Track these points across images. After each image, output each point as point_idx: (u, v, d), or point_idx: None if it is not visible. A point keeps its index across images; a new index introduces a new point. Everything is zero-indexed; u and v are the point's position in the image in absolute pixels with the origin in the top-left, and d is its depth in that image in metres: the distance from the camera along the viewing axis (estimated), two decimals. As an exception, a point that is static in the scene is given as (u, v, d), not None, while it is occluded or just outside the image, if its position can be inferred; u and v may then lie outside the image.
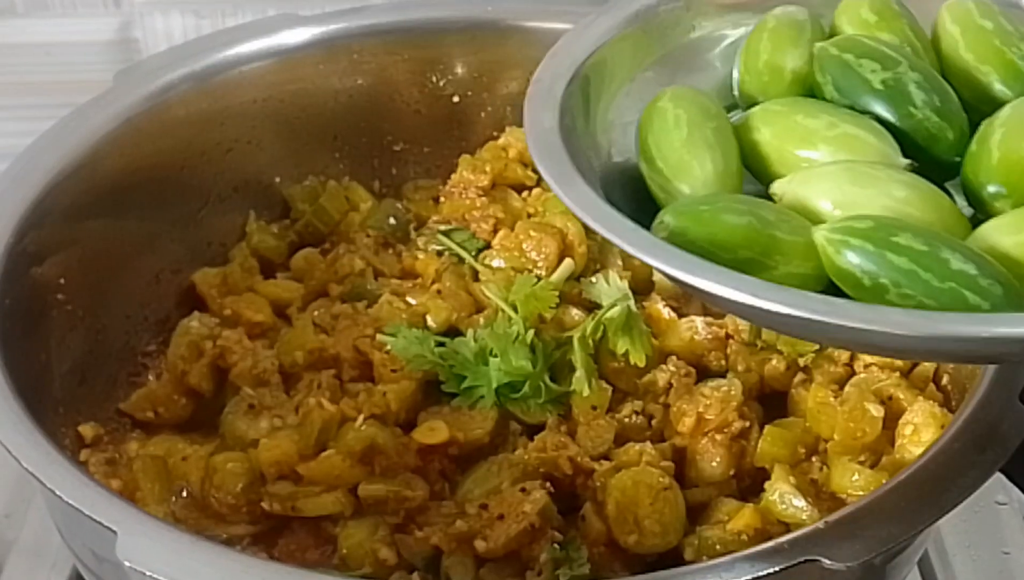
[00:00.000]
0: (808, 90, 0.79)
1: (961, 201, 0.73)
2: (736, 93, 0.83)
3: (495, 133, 1.10)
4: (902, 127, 0.74)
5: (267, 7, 1.24)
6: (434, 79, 1.10)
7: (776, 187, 0.73)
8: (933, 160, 0.74)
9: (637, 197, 0.76)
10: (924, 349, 0.69)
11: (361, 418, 0.88)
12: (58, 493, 0.73)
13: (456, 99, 1.11)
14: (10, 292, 0.87)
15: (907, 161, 0.72)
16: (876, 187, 0.69)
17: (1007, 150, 0.70)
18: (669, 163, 0.75)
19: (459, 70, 1.10)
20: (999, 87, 0.76)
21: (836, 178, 0.71)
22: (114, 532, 0.71)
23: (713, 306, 0.72)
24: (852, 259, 0.65)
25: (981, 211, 0.72)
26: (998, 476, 0.76)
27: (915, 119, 0.74)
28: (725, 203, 0.70)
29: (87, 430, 0.91)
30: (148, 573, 0.69)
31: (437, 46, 1.09)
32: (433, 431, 0.87)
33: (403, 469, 0.86)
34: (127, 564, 0.69)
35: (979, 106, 0.76)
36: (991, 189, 0.70)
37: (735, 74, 0.83)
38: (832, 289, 0.67)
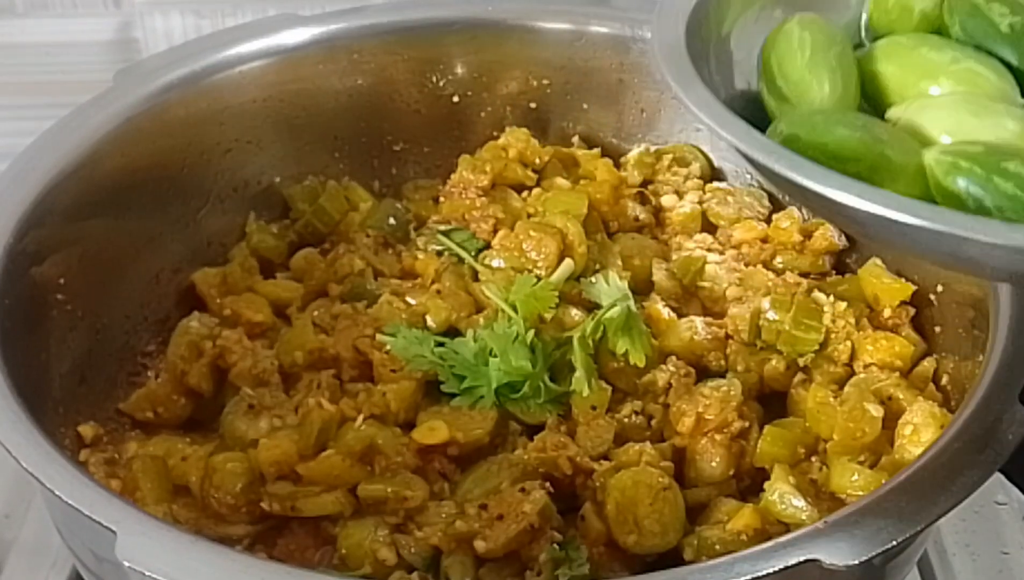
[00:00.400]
0: (935, 30, 0.79)
1: None
2: (863, 31, 0.83)
3: (495, 133, 1.10)
4: None
5: (267, 7, 1.24)
6: (434, 79, 1.10)
7: (892, 113, 0.73)
8: None
9: (757, 123, 0.74)
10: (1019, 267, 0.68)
11: (361, 418, 0.88)
12: (58, 493, 0.73)
13: (456, 99, 1.11)
14: (10, 292, 0.87)
15: None
16: (991, 118, 0.69)
17: None
18: (790, 82, 0.75)
19: (459, 70, 1.10)
20: None
21: (952, 107, 0.71)
22: (113, 532, 0.71)
23: (819, 213, 0.70)
24: (960, 182, 0.65)
25: None
26: (998, 476, 0.76)
27: None
28: (840, 116, 0.70)
29: (87, 430, 0.91)
30: (147, 573, 0.69)
31: (437, 46, 1.09)
32: (433, 431, 0.87)
33: (403, 469, 0.86)
34: (126, 564, 0.69)
35: None
36: None
37: (864, 11, 0.83)
38: None
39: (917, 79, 0.75)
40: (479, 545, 0.81)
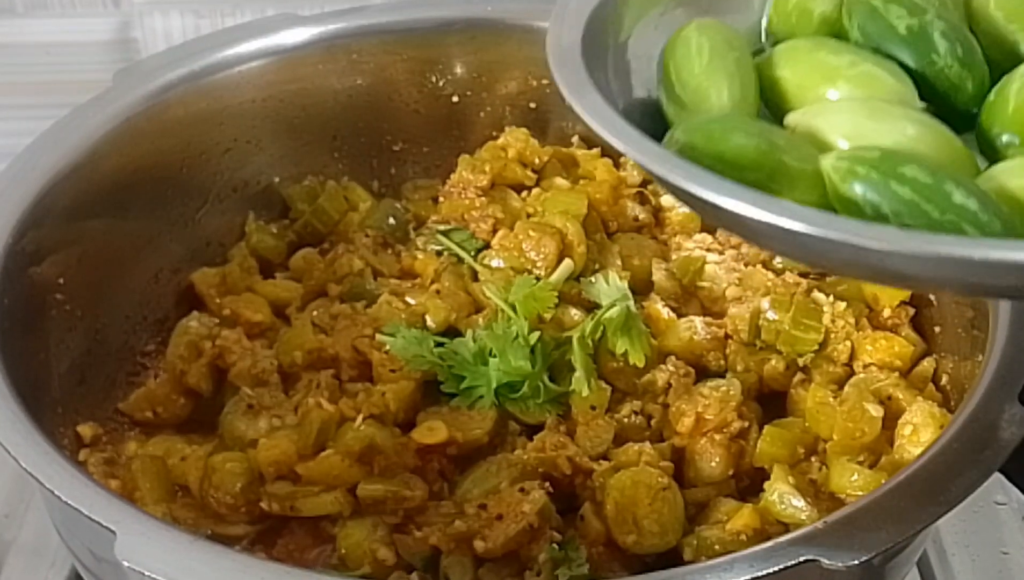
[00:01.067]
0: (835, 34, 0.78)
1: (978, 156, 0.73)
2: (764, 35, 0.83)
3: (494, 133, 1.10)
4: (924, 74, 0.74)
5: (267, 7, 1.24)
6: (434, 79, 1.10)
7: (791, 118, 0.73)
8: (952, 109, 0.74)
9: (655, 132, 0.74)
10: (920, 272, 0.67)
11: (360, 418, 0.88)
12: (57, 493, 0.73)
13: (456, 99, 1.11)
14: (9, 292, 0.87)
15: (923, 104, 0.72)
16: (889, 122, 0.69)
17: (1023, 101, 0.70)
18: (688, 89, 0.75)
19: (459, 70, 1.10)
20: None
21: (851, 111, 0.71)
22: (113, 532, 0.71)
23: (718, 223, 0.71)
24: (857, 188, 0.65)
25: (993, 161, 0.71)
26: (997, 476, 0.76)
27: (937, 67, 0.74)
28: (737, 123, 0.70)
29: (86, 430, 0.91)
30: (147, 573, 0.69)
31: (437, 46, 1.09)
32: (432, 431, 0.87)
33: (402, 469, 0.86)
34: (126, 564, 0.69)
35: (1003, 64, 0.75)
36: (1005, 138, 0.70)
37: (765, 15, 0.82)
38: None
39: (816, 83, 0.74)
40: (478, 545, 0.81)
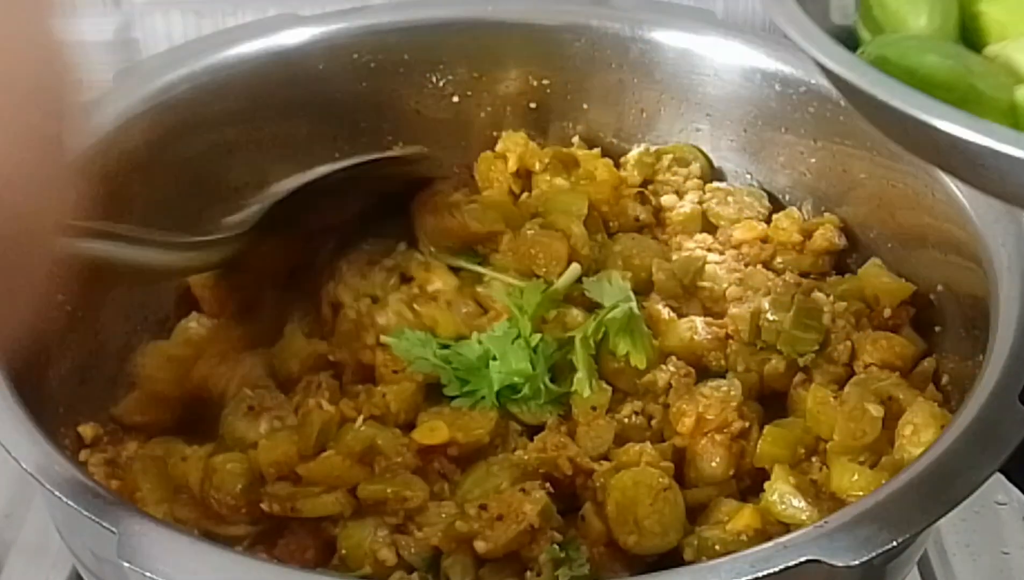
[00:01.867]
0: None
1: None
2: None
3: (495, 133, 1.10)
4: None
5: (267, 7, 1.23)
6: (434, 79, 1.10)
7: (990, 49, 0.70)
8: None
9: None
10: None
11: (360, 419, 0.88)
12: (58, 494, 0.73)
13: (456, 99, 1.11)
14: (10, 292, 0.87)
15: None
16: None
17: None
18: (887, 11, 0.72)
19: (459, 70, 1.10)
20: None
21: None
22: (113, 532, 0.71)
23: (901, 141, 0.69)
24: None
25: None
26: (998, 476, 0.76)
27: None
28: (933, 43, 0.68)
29: (87, 430, 0.91)
30: (147, 573, 0.69)
31: (437, 46, 1.09)
32: (433, 431, 0.87)
33: (403, 469, 0.86)
34: (127, 564, 0.69)
35: None
36: None
37: None
38: None
39: (1019, 21, 0.71)
40: (479, 545, 0.81)
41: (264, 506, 0.85)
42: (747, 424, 0.89)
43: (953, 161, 0.67)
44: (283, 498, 0.85)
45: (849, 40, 0.73)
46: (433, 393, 0.92)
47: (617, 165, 1.09)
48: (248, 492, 0.85)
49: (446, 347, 0.92)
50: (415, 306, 0.96)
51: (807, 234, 1.03)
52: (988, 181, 0.69)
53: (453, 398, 0.91)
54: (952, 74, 0.66)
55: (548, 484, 0.84)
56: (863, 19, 0.74)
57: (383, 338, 0.93)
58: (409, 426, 0.89)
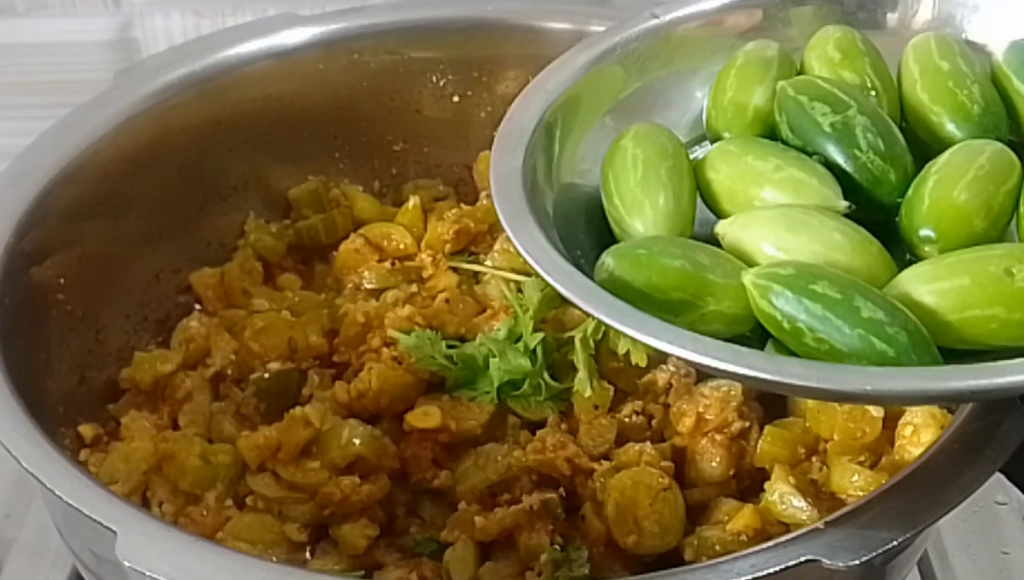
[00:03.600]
0: (768, 128, 0.83)
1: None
2: (705, 126, 0.88)
3: (495, 133, 1.10)
4: (848, 169, 0.78)
5: (267, 7, 1.24)
6: (434, 79, 1.10)
7: (719, 228, 0.78)
8: (876, 201, 0.78)
9: (601, 227, 0.81)
10: (828, 395, 0.76)
11: (347, 432, 0.87)
12: (58, 493, 0.73)
13: (456, 99, 1.11)
14: (10, 292, 0.87)
15: (846, 204, 0.76)
16: (809, 233, 0.74)
17: (937, 197, 0.74)
18: (625, 201, 0.80)
19: (459, 70, 1.10)
20: (950, 128, 0.80)
21: (773, 223, 0.76)
22: (114, 532, 0.71)
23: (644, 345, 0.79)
24: (775, 303, 0.70)
25: (912, 254, 0.76)
26: (998, 476, 0.76)
27: (860, 161, 0.78)
28: (662, 247, 0.75)
29: (87, 430, 0.91)
30: (148, 573, 0.69)
31: (437, 46, 1.09)
32: (427, 416, 0.88)
33: (384, 471, 0.87)
34: (127, 564, 0.69)
35: (933, 146, 0.80)
36: (922, 233, 0.74)
37: (704, 109, 0.88)
38: (761, 329, 0.73)
39: (745, 187, 0.79)
40: (478, 521, 0.82)
41: (249, 502, 0.86)
42: (747, 424, 0.89)
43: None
44: (271, 499, 0.86)
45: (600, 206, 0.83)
46: (435, 392, 0.92)
47: (617, 165, 1.09)
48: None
49: (452, 346, 0.92)
50: (420, 306, 0.96)
51: (807, 234, 1.03)
52: (730, 378, 0.77)
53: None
54: (683, 274, 0.73)
55: (561, 490, 0.85)
56: (607, 204, 0.82)
57: (391, 332, 0.92)
58: (401, 418, 0.89)
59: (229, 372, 0.94)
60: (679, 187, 0.79)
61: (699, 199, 0.82)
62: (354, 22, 1.08)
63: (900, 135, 0.79)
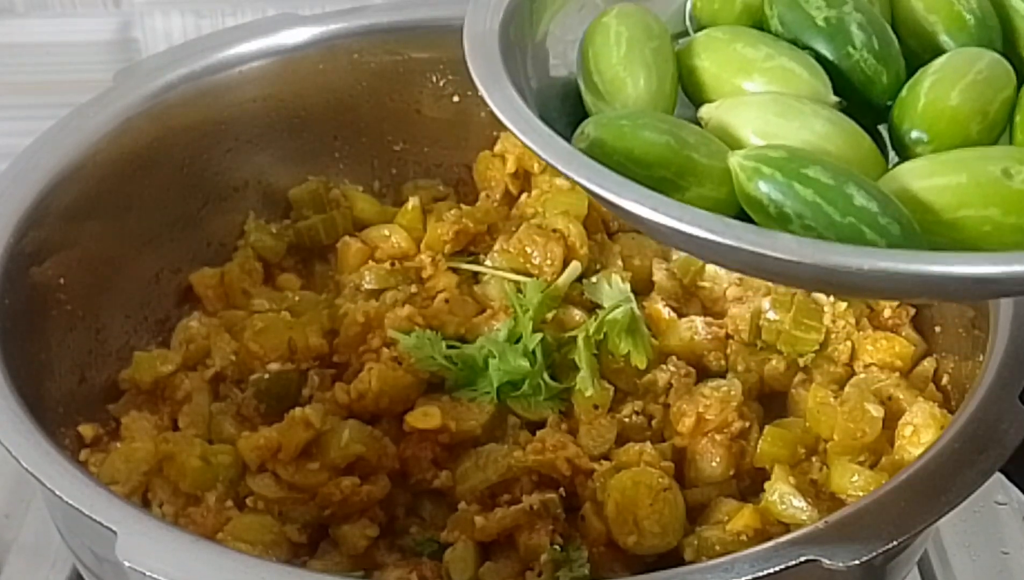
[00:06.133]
0: (757, 21, 0.79)
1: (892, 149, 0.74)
2: (688, 20, 0.83)
3: (495, 133, 1.10)
4: (839, 66, 0.74)
5: (267, 7, 1.23)
6: (434, 79, 1.10)
7: (704, 111, 0.73)
8: (866, 102, 0.74)
9: (574, 114, 0.75)
10: (815, 278, 0.69)
11: (347, 433, 0.87)
12: (58, 493, 0.73)
13: (456, 99, 1.11)
14: (10, 292, 0.87)
15: (836, 100, 0.72)
16: (799, 120, 0.70)
17: (934, 98, 0.71)
18: (605, 79, 0.75)
19: (459, 70, 1.10)
20: (943, 37, 0.76)
21: (762, 107, 0.71)
22: (114, 532, 0.71)
23: (625, 221, 0.72)
24: (761, 187, 0.66)
25: (902, 156, 0.72)
26: (998, 476, 0.76)
27: (852, 60, 0.74)
28: (647, 120, 0.70)
29: (87, 430, 0.91)
30: (148, 573, 0.69)
31: (437, 46, 1.09)
32: (427, 416, 0.88)
33: (384, 471, 0.87)
34: (127, 564, 0.69)
35: (923, 55, 0.76)
36: (914, 135, 0.71)
37: (688, 0, 0.83)
38: (743, 217, 0.68)
39: (732, 75, 0.74)
40: (479, 521, 0.82)
41: (249, 503, 0.86)
42: (747, 424, 0.89)
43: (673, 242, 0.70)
44: (271, 500, 0.86)
45: (575, 96, 0.77)
46: (435, 392, 0.92)
47: (617, 165, 1.08)
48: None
49: (452, 347, 0.92)
50: (420, 306, 0.96)
51: (807, 234, 1.03)
52: (709, 257, 0.71)
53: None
54: (668, 150, 0.68)
55: (561, 490, 0.85)
56: (585, 83, 0.76)
57: (391, 332, 0.92)
58: (401, 418, 0.89)
59: (229, 373, 0.94)
60: (663, 70, 0.75)
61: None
62: (354, 22, 1.08)
63: (894, 37, 0.76)
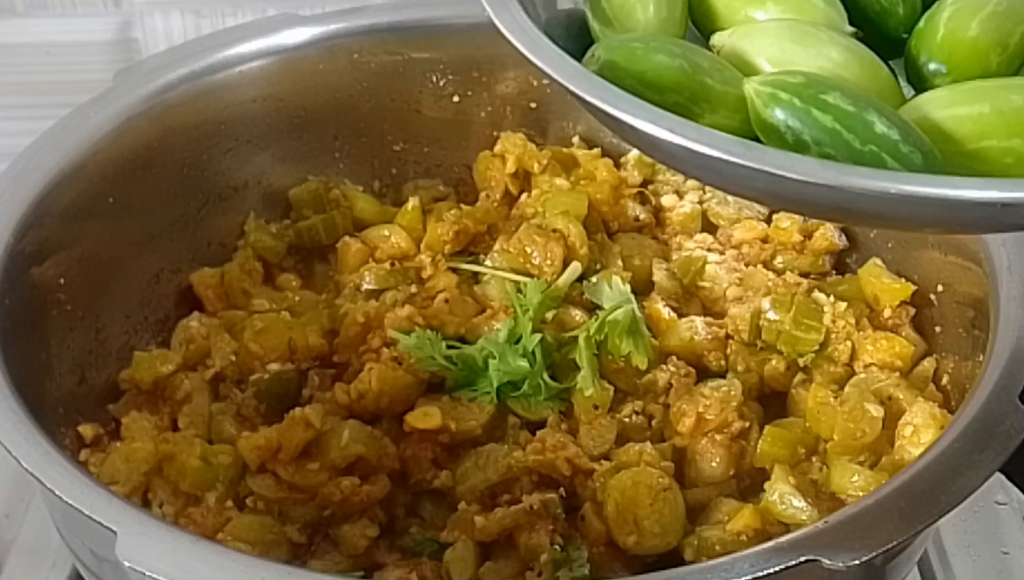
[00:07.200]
0: None
1: (905, 84, 0.71)
2: None
3: (495, 133, 1.10)
4: None
5: (267, 7, 1.23)
6: (434, 79, 1.10)
7: (716, 39, 0.71)
8: (882, 34, 0.72)
9: (579, 47, 0.72)
10: (836, 204, 0.66)
11: (347, 433, 0.87)
12: (58, 493, 0.73)
13: (456, 99, 1.11)
14: (10, 292, 0.87)
15: (852, 29, 0.71)
16: (815, 47, 0.68)
17: (953, 28, 0.69)
18: (613, 5, 0.73)
19: (459, 70, 1.10)
20: None
21: (776, 34, 0.69)
22: (114, 532, 0.71)
23: (637, 146, 0.70)
24: (778, 114, 0.63)
25: (919, 89, 0.70)
26: (998, 476, 0.76)
27: None
28: (660, 43, 0.68)
29: (87, 430, 0.91)
30: (148, 573, 0.69)
31: (437, 46, 1.09)
32: (427, 416, 0.88)
33: (384, 471, 0.87)
34: (127, 564, 0.69)
35: None
36: (932, 66, 0.69)
37: None
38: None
39: (744, 4, 0.72)
40: (479, 521, 0.82)
41: (249, 503, 0.86)
42: (747, 424, 0.89)
43: (688, 167, 0.67)
44: (271, 500, 0.86)
45: (581, 25, 0.74)
46: (435, 392, 0.92)
47: (617, 165, 1.09)
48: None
49: (452, 347, 0.92)
50: (420, 306, 0.96)
51: (807, 234, 1.03)
52: (725, 184, 0.69)
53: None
54: (681, 74, 0.66)
55: (561, 490, 0.85)
56: (592, 10, 0.73)
57: (391, 333, 0.92)
58: (402, 418, 0.89)
59: (229, 373, 0.94)
60: None
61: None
62: (354, 22, 1.08)
63: None
